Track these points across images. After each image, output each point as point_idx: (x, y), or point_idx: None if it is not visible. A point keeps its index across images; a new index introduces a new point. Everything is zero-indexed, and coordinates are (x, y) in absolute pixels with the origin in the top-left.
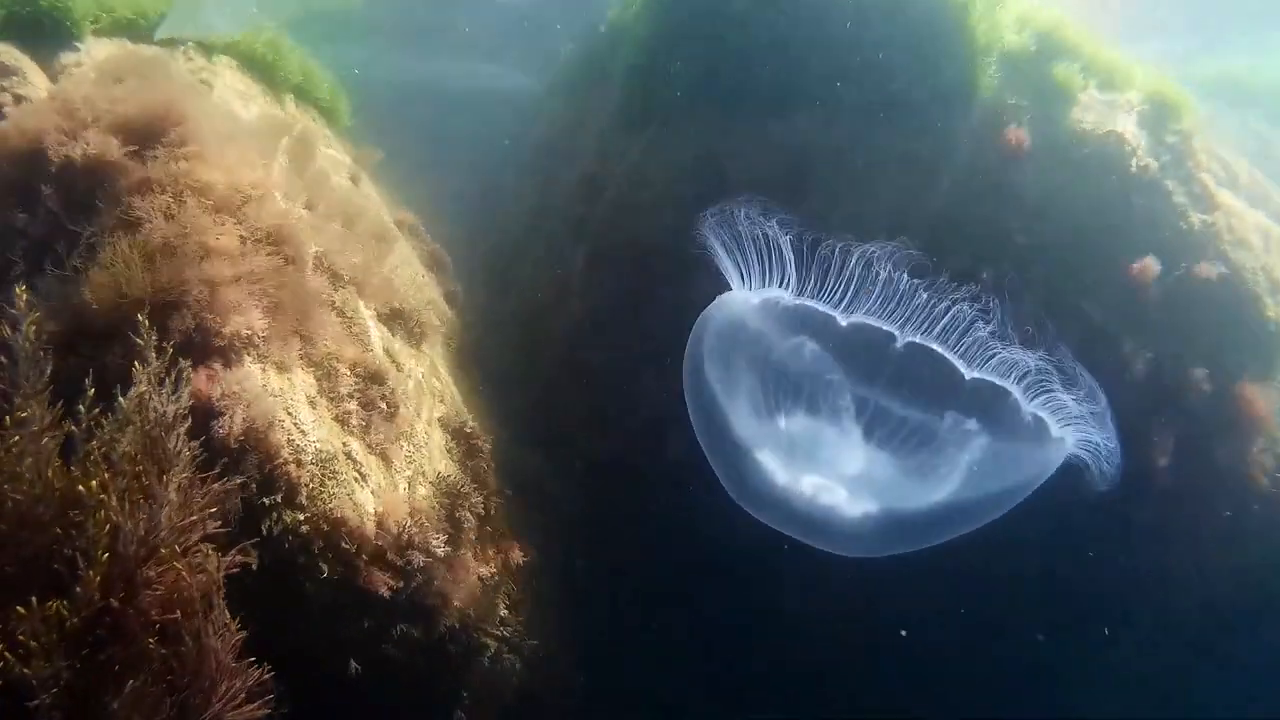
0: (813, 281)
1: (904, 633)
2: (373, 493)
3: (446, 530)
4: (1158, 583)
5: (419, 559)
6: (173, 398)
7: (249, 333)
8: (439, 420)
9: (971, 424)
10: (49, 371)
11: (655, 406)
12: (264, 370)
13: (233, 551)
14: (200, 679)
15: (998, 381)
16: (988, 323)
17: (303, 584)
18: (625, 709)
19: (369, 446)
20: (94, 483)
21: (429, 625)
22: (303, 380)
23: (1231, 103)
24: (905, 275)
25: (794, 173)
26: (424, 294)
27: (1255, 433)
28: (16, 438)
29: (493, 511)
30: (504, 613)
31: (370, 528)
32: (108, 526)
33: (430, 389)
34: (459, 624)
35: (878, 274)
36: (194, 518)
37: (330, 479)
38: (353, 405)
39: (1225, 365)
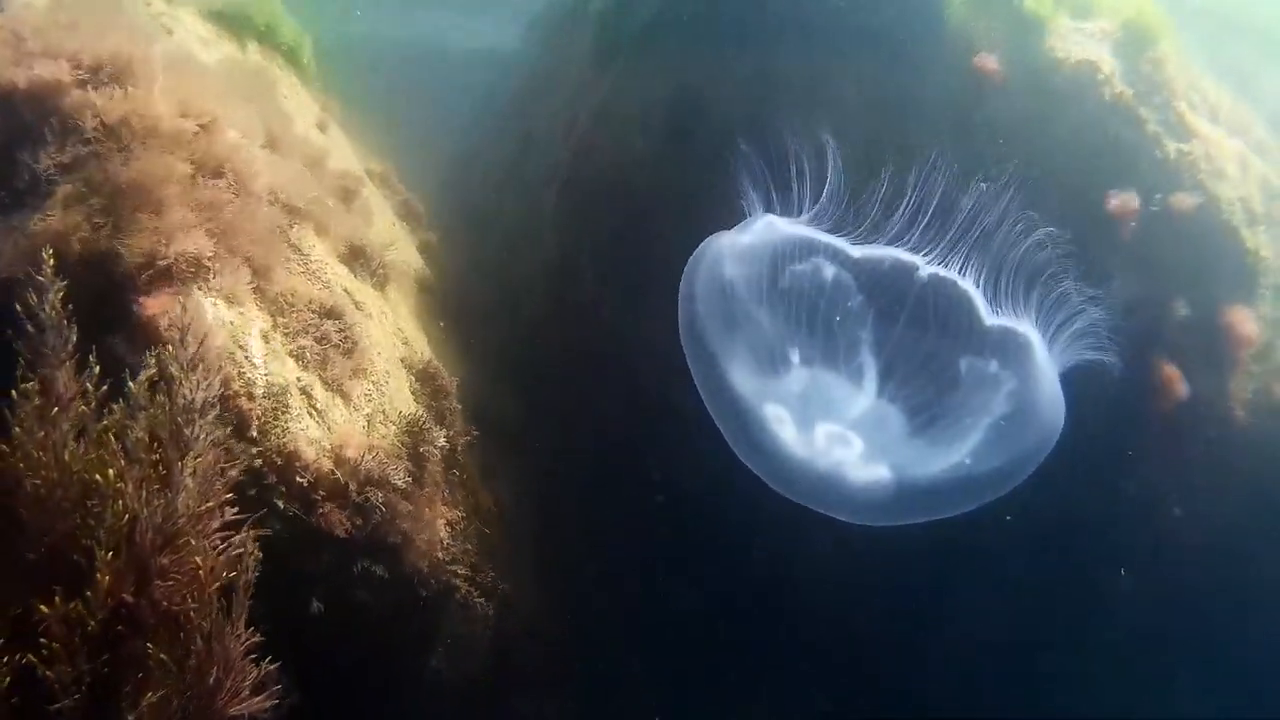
0: (811, 209)
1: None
2: (330, 428)
3: (408, 468)
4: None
5: (377, 495)
6: (203, 384)
7: (195, 253)
8: (402, 360)
9: (994, 366)
10: (74, 340)
11: (633, 345)
12: (214, 302)
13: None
14: (207, 675)
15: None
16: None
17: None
18: (604, 655)
19: (326, 383)
20: (111, 471)
21: (393, 564)
22: (255, 314)
23: (1218, 34)
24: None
25: (764, 105)
26: (394, 240)
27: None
28: (38, 413)
29: (460, 453)
30: (475, 556)
31: (326, 463)
32: (126, 517)
33: (394, 330)
34: (427, 566)
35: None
36: (211, 504)
37: (284, 413)
38: (308, 341)
39: (1205, 296)
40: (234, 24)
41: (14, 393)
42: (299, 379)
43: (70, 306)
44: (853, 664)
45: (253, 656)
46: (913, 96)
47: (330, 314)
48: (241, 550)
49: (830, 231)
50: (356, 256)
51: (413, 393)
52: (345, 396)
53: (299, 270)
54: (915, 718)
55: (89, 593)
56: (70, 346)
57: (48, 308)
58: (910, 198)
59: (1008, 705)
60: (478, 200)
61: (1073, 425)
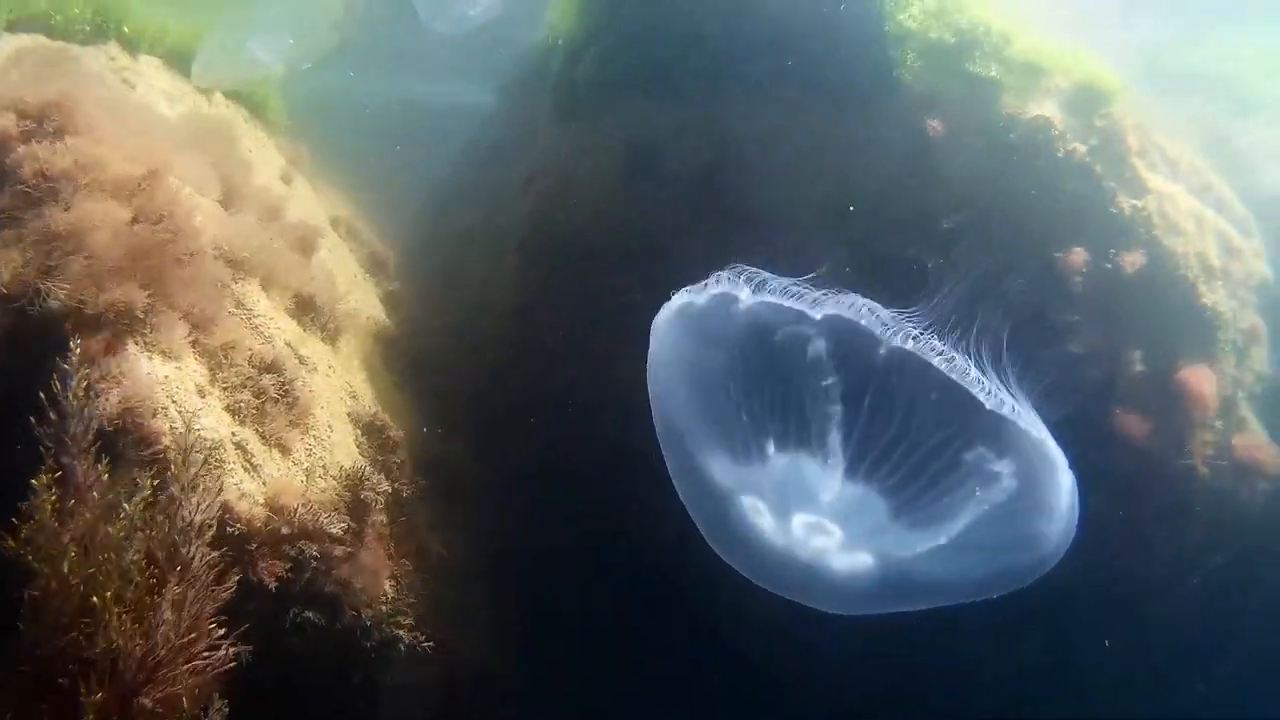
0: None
1: None
2: (264, 482)
3: (346, 520)
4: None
5: (312, 547)
6: (203, 506)
7: (127, 304)
8: (348, 414)
9: (993, 460)
10: (95, 428)
11: (591, 396)
12: (150, 357)
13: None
14: None
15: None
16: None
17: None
18: (555, 705)
19: (263, 437)
20: (109, 594)
21: (331, 614)
22: (193, 368)
23: (1189, 90)
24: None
25: (720, 162)
26: (354, 292)
27: (1197, 417)
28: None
29: (408, 504)
30: (423, 607)
31: (260, 515)
32: (114, 645)
33: (342, 384)
34: (370, 616)
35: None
36: (197, 633)
37: (217, 467)
38: (246, 395)
39: (1161, 353)
40: None
41: (34, 482)
42: (234, 433)
43: None
44: None
45: None
46: (866, 155)
47: (270, 368)
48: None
49: (795, 299)
50: (307, 309)
51: (358, 446)
52: (284, 450)
53: (241, 324)
54: None
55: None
56: (91, 435)
57: (70, 395)
58: (873, 261)
59: None
60: (450, 252)
61: None
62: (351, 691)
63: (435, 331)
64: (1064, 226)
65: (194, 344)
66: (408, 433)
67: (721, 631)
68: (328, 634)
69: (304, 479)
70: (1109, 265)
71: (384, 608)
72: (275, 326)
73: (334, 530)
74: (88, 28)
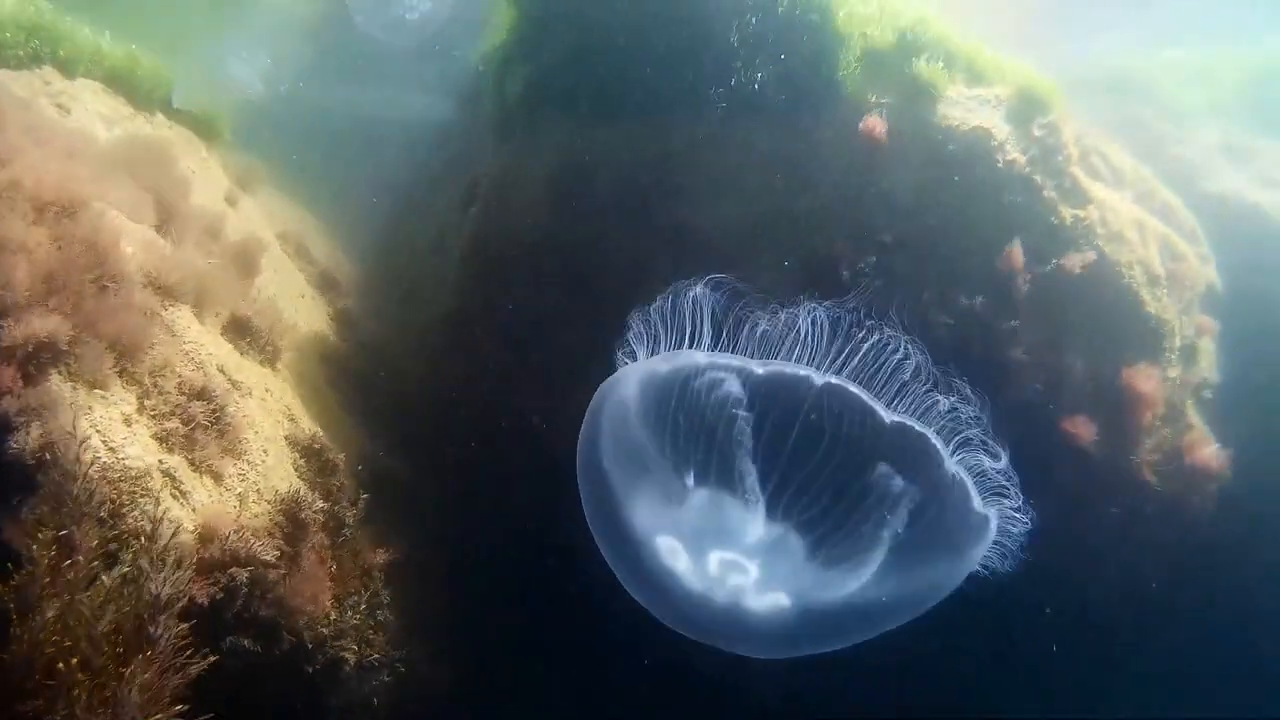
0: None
1: None
2: (194, 509)
3: (280, 545)
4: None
5: (242, 573)
6: (172, 579)
7: (48, 336)
8: (286, 438)
9: (898, 482)
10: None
11: (532, 413)
12: (74, 386)
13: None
14: None
15: (919, 429)
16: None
17: None
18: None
19: (193, 464)
20: (75, 660)
21: (268, 639)
22: (120, 397)
23: (1127, 96)
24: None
25: (659, 176)
26: (300, 311)
27: (1144, 421)
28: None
29: (350, 525)
30: (368, 628)
31: (188, 542)
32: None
33: (280, 407)
34: (311, 639)
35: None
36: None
37: (143, 496)
38: (175, 423)
39: (1107, 360)
40: (136, 96)
41: (39, 535)
42: (161, 461)
43: None
44: None
45: None
46: (806, 166)
47: (201, 395)
48: None
49: (723, 335)
50: (244, 332)
51: (296, 469)
52: (216, 476)
53: (171, 351)
54: None
55: None
56: (95, 501)
57: (75, 457)
58: (811, 275)
59: None
60: (405, 267)
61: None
62: (298, 715)
63: (386, 348)
64: (1006, 237)
65: (121, 373)
66: (351, 452)
67: (668, 645)
68: (267, 659)
69: (237, 504)
70: (1051, 273)
71: (326, 630)
72: (207, 352)
73: (268, 558)
74: (21, 52)
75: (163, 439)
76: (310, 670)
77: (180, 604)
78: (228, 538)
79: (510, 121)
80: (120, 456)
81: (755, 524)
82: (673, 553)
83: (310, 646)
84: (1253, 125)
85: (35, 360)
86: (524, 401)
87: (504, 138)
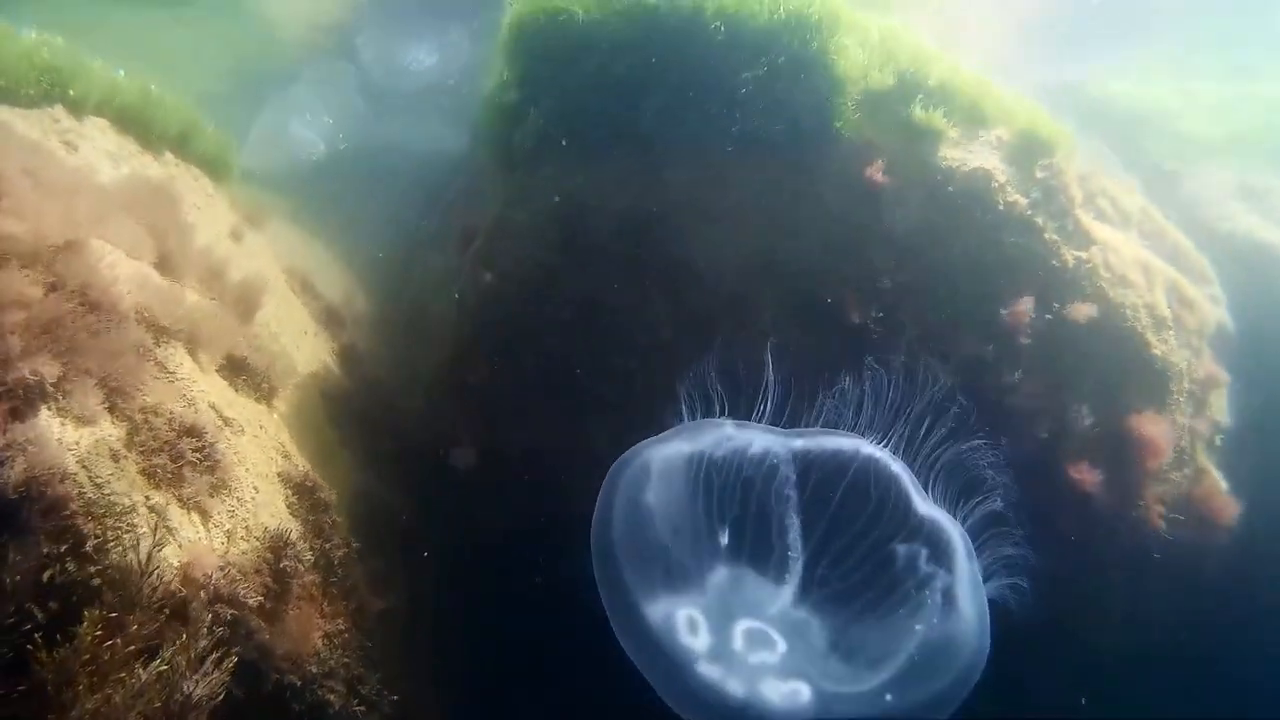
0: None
1: None
2: (180, 546)
3: (267, 583)
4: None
5: (227, 611)
6: (208, 679)
7: (36, 380)
8: (279, 475)
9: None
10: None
11: (529, 454)
12: (62, 423)
13: None
14: None
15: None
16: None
17: None
18: None
19: (181, 501)
20: None
21: (254, 679)
22: (109, 433)
23: (1139, 130)
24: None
25: (659, 217)
26: (301, 348)
27: (1150, 468)
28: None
29: (341, 563)
30: (359, 667)
31: (173, 581)
32: None
33: (274, 444)
34: (298, 679)
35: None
36: None
37: (128, 532)
38: (163, 459)
39: (1112, 406)
40: (147, 135)
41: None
42: (148, 497)
43: None
44: None
45: None
46: (805, 209)
47: (190, 432)
48: None
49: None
50: (239, 370)
51: (289, 506)
52: (204, 513)
53: (163, 388)
54: None
55: None
56: (159, 596)
57: (143, 555)
58: (812, 322)
59: None
60: (414, 304)
61: None
62: None
63: (388, 386)
64: (1007, 279)
65: (111, 409)
66: (347, 490)
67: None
68: (252, 697)
69: (224, 541)
70: (1055, 319)
71: (314, 669)
72: (199, 389)
73: (252, 599)
74: (33, 91)
75: (150, 474)
76: (297, 709)
77: (213, 703)
78: (213, 576)
79: (511, 162)
80: (105, 492)
81: (784, 599)
82: (692, 627)
83: (297, 685)
84: (1271, 163)
85: (24, 398)
86: (523, 441)
87: (505, 178)
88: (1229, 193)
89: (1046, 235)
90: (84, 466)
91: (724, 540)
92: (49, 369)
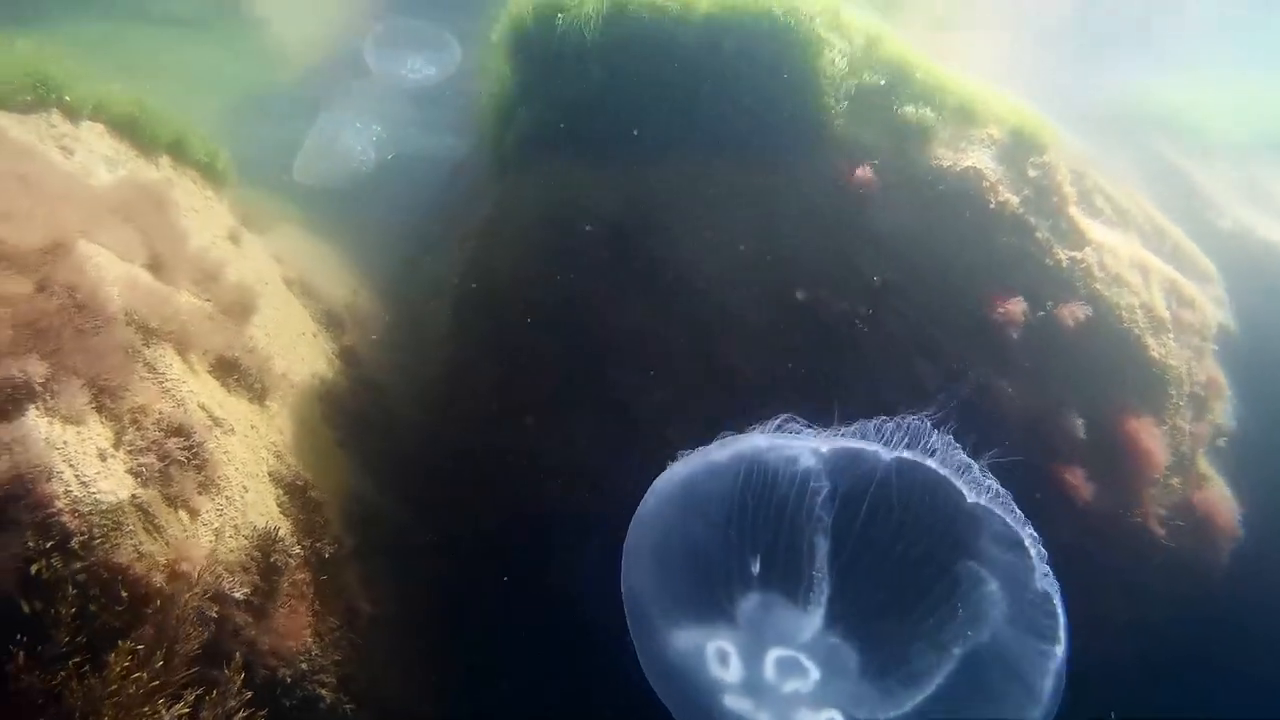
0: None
1: None
2: (167, 544)
3: (254, 580)
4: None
5: (213, 608)
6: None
7: (23, 379)
8: (269, 474)
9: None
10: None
11: (525, 457)
12: (50, 422)
13: None
14: None
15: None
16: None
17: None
18: None
19: (168, 499)
20: None
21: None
22: (97, 433)
23: (1142, 129)
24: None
25: (643, 217)
26: (299, 349)
27: (1147, 474)
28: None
29: (333, 562)
30: (351, 664)
31: (159, 577)
32: None
33: (265, 444)
34: (288, 675)
35: None
36: None
37: (114, 530)
38: (151, 458)
39: (1107, 410)
40: (142, 140)
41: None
42: (135, 496)
43: None
44: None
45: None
46: (793, 208)
47: (178, 431)
48: None
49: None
50: (230, 371)
51: (279, 505)
52: (192, 512)
53: (151, 388)
54: None
55: None
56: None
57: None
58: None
59: None
60: (415, 305)
61: None
62: None
63: (386, 387)
64: (998, 280)
65: (99, 409)
66: (341, 490)
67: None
68: None
69: (213, 539)
70: (1047, 320)
71: (304, 665)
72: (188, 389)
73: (240, 595)
74: (29, 97)
75: (137, 473)
76: (288, 704)
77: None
78: (200, 573)
79: (503, 164)
80: (91, 491)
81: (815, 623)
82: (722, 658)
83: (288, 681)
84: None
85: (11, 398)
86: (516, 443)
87: (497, 180)
88: (1236, 191)
89: (1038, 234)
90: (70, 465)
91: (755, 568)
92: (36, 368)
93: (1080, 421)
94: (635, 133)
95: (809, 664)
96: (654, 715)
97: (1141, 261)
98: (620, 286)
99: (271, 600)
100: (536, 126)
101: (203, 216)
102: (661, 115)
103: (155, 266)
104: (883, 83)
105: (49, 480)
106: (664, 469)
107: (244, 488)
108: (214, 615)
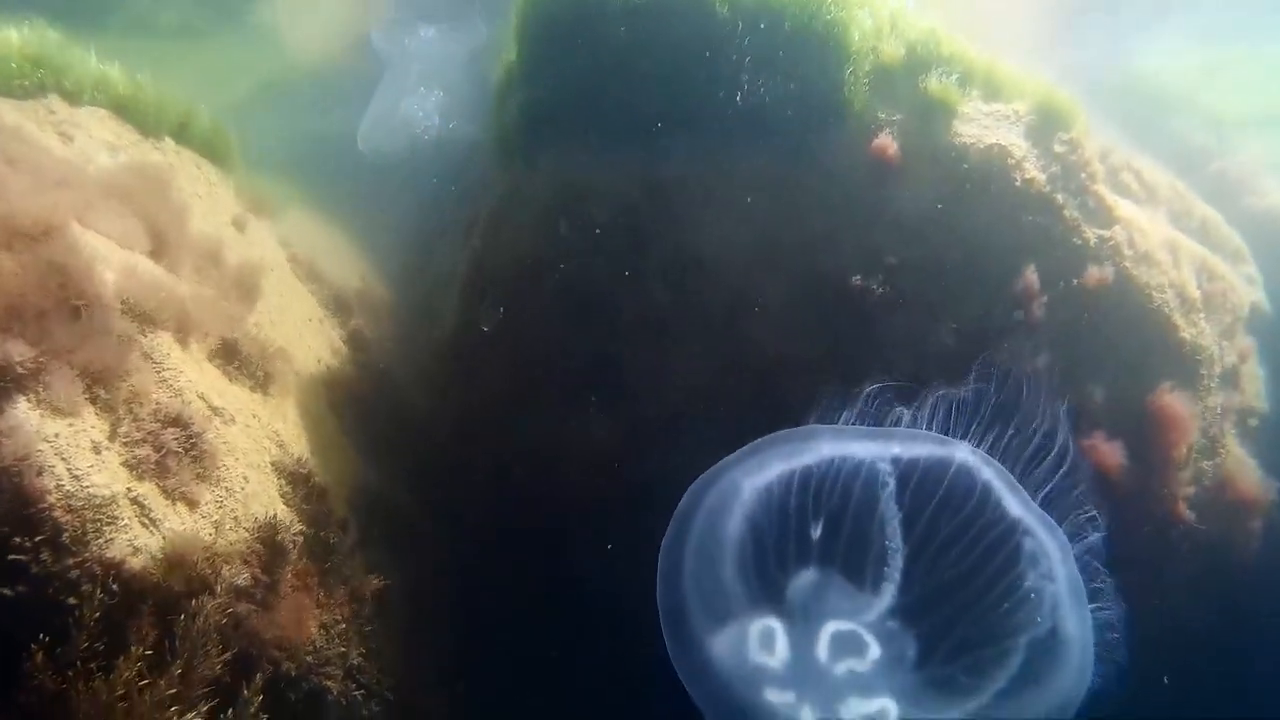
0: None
1: None
2: (164, 536)
3: (256, 573)
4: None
5: (212, 602)
6: None
7: (4, 362)
8: (272, 464)
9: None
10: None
11: (530, 446)
12: (41, 414)
13: None
14: None
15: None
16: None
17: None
18: None
19: (166, 492)
20: None
21: (245, 667)
22: (90, 424)
23: (1167, 105)
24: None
25: (661, 201)
26: (304, 335)
27: (1175, 453)
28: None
29: (339, 553)
30: (358, 656)
31: (156, 572)
32: None
33: (267, 433)
34: (293, 668)
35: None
36: None
37: (109, 524)
38: (147, 450)
39: (1137, 389)
40: (146, 123)
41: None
42: (129, 489)
43: None
44: None
45: None
46: (814, 189)
47: (176, 421)
48: None
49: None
50: (231, 358)
51: (281, 495)
52: (190, 504)
53: (147, 377)
54: None
55: None
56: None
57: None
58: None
59: None
60: (427, 292)
61: None
62: None
63: (393, 374)
64: (1024, 259)
65: (93, 400)
66: (346, 478)
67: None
68: None
69: (212, 531)
70: (1074, 296)
71: (310, 658)
72: (185, 378)
73: (241, 586)
74: (27, 82)
75: (133, 466)
76: (293, 697)
77: None
78: (199, 566)
79: (509, 148)
80: (84, 484)
81: (885, 602)
82: (766, 641)
83: (293, 674)
84: None
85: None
86: (525, 430)
87: (504, 165)
88: (1262, 168)
89: (1066, 213)
90: (62, 458)
91: (816, 532)
92: (26, 355)
93: (1109, 401)
94: (647, 111)
95: (870, 639)
96: (677, 708)
97: (1171, 240)
98: (630, 272)
99: (275, 592)
100: (545, 107)
101: (207, 201)
102: (676, 91)
103: (155, 252)
104: (905, 55)
105: (39, 475)
106: (688, 459)
107: (245, 478)
108: (214, 607)
